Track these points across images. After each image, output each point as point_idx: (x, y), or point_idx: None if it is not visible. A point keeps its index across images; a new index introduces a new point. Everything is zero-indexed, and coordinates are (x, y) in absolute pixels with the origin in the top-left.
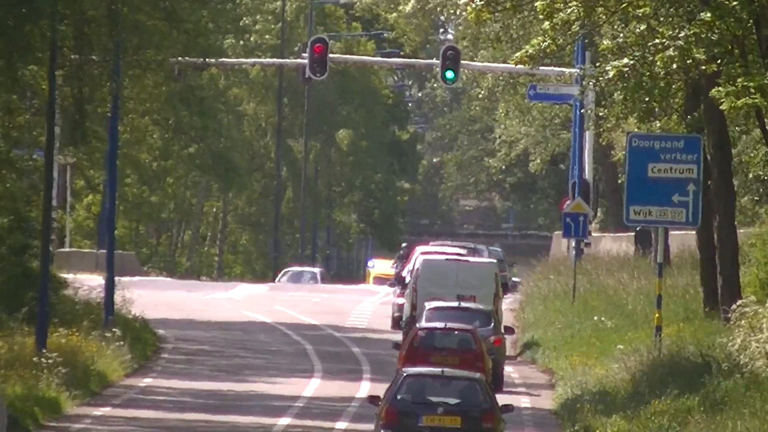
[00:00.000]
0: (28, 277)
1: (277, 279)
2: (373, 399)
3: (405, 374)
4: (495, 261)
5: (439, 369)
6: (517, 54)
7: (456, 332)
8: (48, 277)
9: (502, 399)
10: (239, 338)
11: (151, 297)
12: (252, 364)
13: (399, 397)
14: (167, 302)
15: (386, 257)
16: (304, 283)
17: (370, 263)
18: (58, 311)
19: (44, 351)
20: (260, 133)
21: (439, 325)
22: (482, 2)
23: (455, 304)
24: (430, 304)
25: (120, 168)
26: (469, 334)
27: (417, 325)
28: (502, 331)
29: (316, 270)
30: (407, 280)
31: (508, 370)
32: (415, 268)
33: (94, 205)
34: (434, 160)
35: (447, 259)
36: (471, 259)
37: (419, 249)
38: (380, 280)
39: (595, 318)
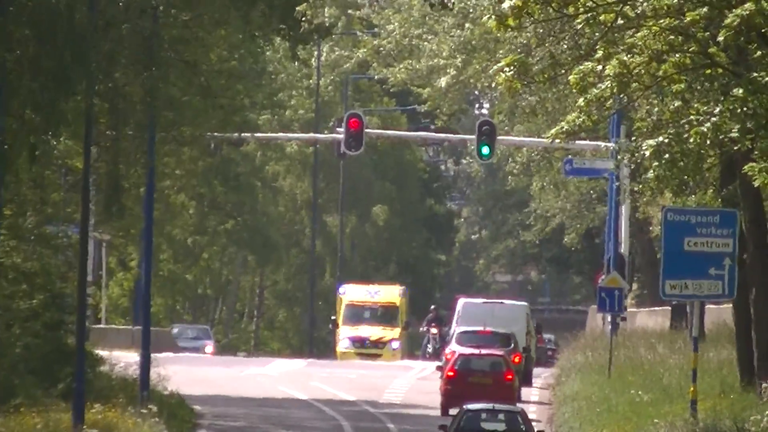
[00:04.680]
0: (64, 353)
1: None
2: (442, 427)
3: (466, 409)
4: (526, 303)
5: (491, 404)
6: (552, 131)
7: (488, 357)
8: (84, 352)
9: None
10: (275, 414)
11: (187, 373)
12: None
13: (462, 425)
14: (203, 378)
15: (360, 282)
16: (194, 338)
17: (341, 289)
18: (94, 387)
19: (81, 427)
20: (296, 208)
21: (475, 351)
22: (512, 72)
23: (480, 328)
24: (459, 329)
25: (155, 244)
26: (500, 359)
27: (450, 348)
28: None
29: (206, 327)
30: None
31: None
32: (456, 310)
33: (127, 281)
34: (472, 237)
35: (484, 302)
36: (505, 301)
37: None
38: (354, 309)
39: (632, 392)
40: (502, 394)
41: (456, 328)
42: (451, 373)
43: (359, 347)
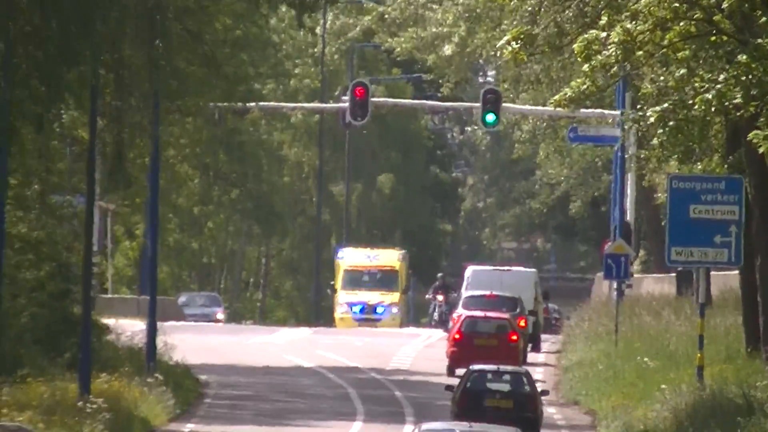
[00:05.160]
0: (70, 322)
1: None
2: (448, 388)
3: (472, 370)
4: (535, 270)
5: (496, 366)
6: (556, 96)
7: (494, 320)
8: (90, 322)
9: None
10: (281, 383)
11: (193, 342)
12: (294, 409)
13: (468, 386)
14: (209, 347)
15: (360, 245)
16: (204, 306)
17: (339, 254)
18: (100, 357)
19: (88, 397)
20: (302, 177)
21: (480, 314)
22: (518, 45)
23: (487, 292)
24: (466, 293)
25: (161, 214)
26: (505, 321)
27: (457, 312)
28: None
29: (215, 294)
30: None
31: (551, 411)
32: (466, 276)
33: (132, 251)
34: (478, 205)
35: (493, 269)
36: (514, 268)
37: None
38: (352, 274)
39: (638, 359)
40: (507, 355)
41: (464, 293)
42: (457, 336)
43: (357, 313)
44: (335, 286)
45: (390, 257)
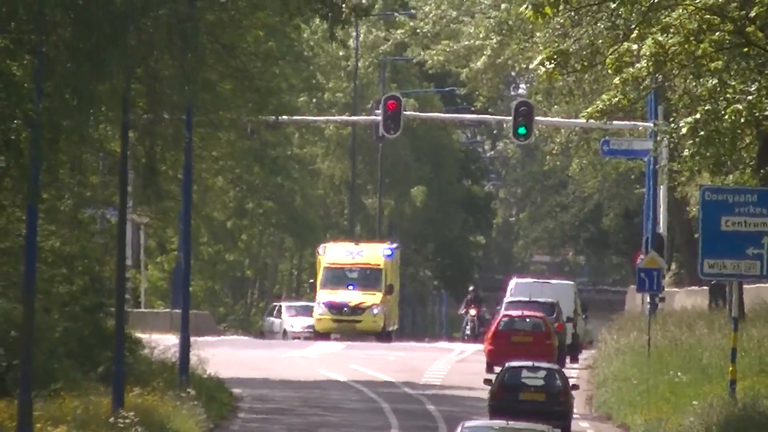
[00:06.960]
0: (103, 336)
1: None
2: (487, 381)
3: (508, 366)
4: (573, 283)
5: (531, 362)
6: (589, 109)
7: (529, 318)
8: (123, 336)
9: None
10: (315, 397)
11: (226, 356)
12: (328, 423)
13: (505, 380)
14: (242, 361)
15: (343, 240)
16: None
17: (320, 249)
18: (133, 371)
19: (121, 411)
20: (334, 190)
21: (517, 312)
22: (552, 66)
23: (526, 298)
24: (507, 299)
25: (194, 227)
26: (540, 320)
27: (499, 314)
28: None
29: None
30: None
31: (584, 425)
32: (509, 288)
33: (167, 263)
34: (510, 219)
35: (534, 282)
36: (553, 280)
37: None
38: (333, 272)
39: (671, 373)
40: (541, 352)
41: (506, 300)
42: (495, 332)
43: (336, 314)
44: (315, 283)
45: (374, 253)
